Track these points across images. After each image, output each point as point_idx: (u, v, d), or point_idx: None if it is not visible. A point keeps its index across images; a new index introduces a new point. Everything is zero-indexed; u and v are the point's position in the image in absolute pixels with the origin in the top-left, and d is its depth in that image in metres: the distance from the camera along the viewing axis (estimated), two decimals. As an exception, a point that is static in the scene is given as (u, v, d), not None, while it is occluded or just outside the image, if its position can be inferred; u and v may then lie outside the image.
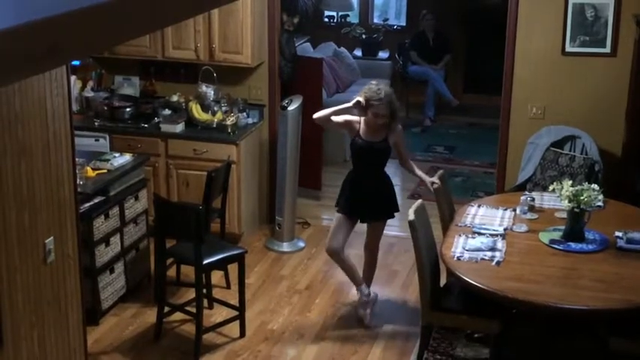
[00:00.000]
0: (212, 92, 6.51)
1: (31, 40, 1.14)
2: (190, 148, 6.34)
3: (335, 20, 11.14)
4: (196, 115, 6.48)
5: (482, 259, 4.48)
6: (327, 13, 11.10)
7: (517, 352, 4.96)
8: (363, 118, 5.19)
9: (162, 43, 6.51)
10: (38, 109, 3.86)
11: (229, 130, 6.33)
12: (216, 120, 6.43)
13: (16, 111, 3.69)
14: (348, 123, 5.26)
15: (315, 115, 5.27)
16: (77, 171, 4.39)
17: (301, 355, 5.08)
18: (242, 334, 5.24)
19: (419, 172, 5.44)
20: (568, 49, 6.03)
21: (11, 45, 1.13)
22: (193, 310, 5.08)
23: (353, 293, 5.76)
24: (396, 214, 5.47)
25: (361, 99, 5.10)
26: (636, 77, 5.67)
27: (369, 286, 5.50)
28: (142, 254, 5.81)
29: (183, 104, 6.63)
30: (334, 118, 5.24)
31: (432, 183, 5.22)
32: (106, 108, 6.63)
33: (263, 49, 6.57)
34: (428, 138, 9.48)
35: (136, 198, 5.66)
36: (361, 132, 5.22)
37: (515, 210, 5.10)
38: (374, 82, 5.31)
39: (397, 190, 7.34)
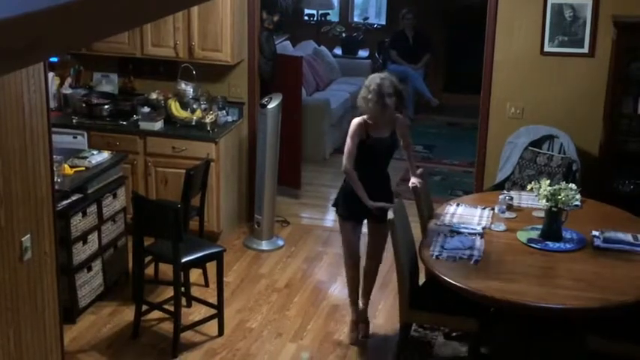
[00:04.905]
0: (191, 90, 6.49)
1: (12, 34, 1.13)
2: (169, 145, 6.31)
3: (315, 18, 11.13)
4: (175, 112, 6.45)
5: (461, 257, 4.49)
6: (307, 11, 11.09)
7: (495, 351, 4.98)
8: (367, 116, 4.83)
9: (142, 40, 6.47)
10: (15, 106, 3.82)
11: (208, 128, 6.31)
12: (195, 118, 6.40)
13: (-8, 107, 3.66)
14: (357, 136, 4.87)
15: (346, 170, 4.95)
16: (55, 168, 4.36)
17: (279, 354, 5.07)
18: (220, 332, 5.23)
19: (412, 162, 5.20)
20: (547, 49, 6.07)
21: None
22: (171, 308, 5.06)
23: (331, 292, 5.76)
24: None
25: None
26: (614, 77, 5.71)
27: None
28: (120, 252, 5.78)
29: (162, 102, 6.59)
30: (351, 155, 4.88)
31: (412, 184, 5.06)
32: (84, 105, 6.59)
33: (243, 47, 6.55)
34: (407, 137, 9.49)
35: (114, 196, 5.63)
36: (370, 131, 4.88)
37: (493, 209, 5.13)
38: (378, 75, 4.91)
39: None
